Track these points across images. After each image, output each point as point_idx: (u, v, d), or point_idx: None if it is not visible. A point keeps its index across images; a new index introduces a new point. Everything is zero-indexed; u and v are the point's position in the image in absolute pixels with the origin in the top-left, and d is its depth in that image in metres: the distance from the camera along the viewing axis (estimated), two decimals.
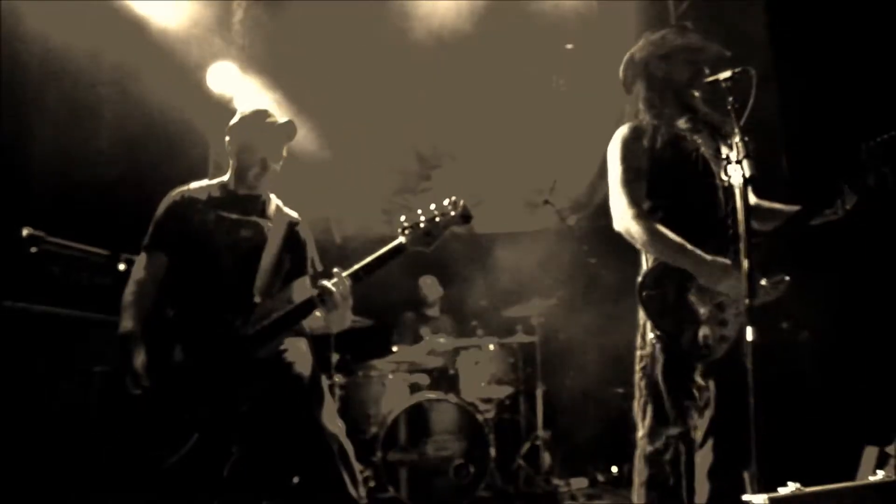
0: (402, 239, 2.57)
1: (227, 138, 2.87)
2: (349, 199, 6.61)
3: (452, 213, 2.57)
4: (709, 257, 2.41)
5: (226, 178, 2.89)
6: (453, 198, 2.59)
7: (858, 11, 4.55)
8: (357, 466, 2.68)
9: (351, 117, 6.64)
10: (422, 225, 2.56)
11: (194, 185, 2.89)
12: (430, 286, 6.08)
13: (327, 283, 2.49)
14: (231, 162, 2.87)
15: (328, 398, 2.73)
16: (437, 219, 2.56)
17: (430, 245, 2.58)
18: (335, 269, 2.54)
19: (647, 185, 2.56)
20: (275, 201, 2.92)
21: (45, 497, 3.37)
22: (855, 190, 2.44)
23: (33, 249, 3.63)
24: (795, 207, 2.56)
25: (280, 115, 2.88)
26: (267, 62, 6.37)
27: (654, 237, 2.47)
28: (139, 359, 2.53)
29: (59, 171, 4.44)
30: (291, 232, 2.85)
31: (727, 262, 2.39)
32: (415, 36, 6.28)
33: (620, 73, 2.79)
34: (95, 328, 3.80)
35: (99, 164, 4.68)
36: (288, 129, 2.84)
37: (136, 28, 5.08)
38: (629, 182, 2.54)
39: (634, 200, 2.52)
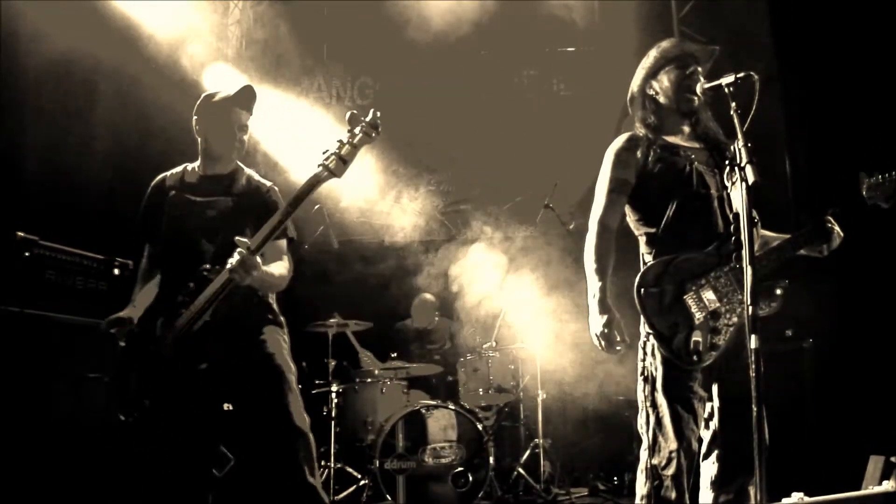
0: (316, 171, 2.63)
1: (195, 118, 2.97)
2: (347, 203, 6.58)
3: (361, 131, 2.64)
4: (598, 298, 2.46)
5: (197, 162, 3.01)
6: (354, 111, 2.68)
7: (862, 14, 4.53)
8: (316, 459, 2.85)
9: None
10: (334, 151, 2.62)
11: (172, 171, 3.04)
12: (425, 309, 6.02)
13: (232, 261, 2.61)
14: (200, 144, 2.98)
15: (296, 389, 2.87)
16: (349, 139, 2.63)
17: (342, 172, 2.63)
18: (237, 238, 2.63)
19: (640, 198, 2.61)
20: (246, 173, 3.03)
21: (38, 499, 3.36)
22: (842, 218, 2.51)
23: (27, 254, 3.62)
24: (784, 236, 2.57)
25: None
26: (263, 63, 6.35)
27: (588, 252, 2.54)
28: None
29: (55, 175, 4.43)
30: (258, 200, 2.94)
31: (608, 314, 2.43)
32: (414, 37, 6.26)
33: (629, 109, 2.81)
34: (89, 333, 3.80)
35: (94, 168, 4.66)
36: (245, 95, 2.93)
37: (132, 31, 5.07)
38: (611, 192, 2.59)
39: (607, 212, 2.58)
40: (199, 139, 2.97)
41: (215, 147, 2.92)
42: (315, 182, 2.63)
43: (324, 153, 2.63)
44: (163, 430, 2.71)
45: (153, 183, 3.02)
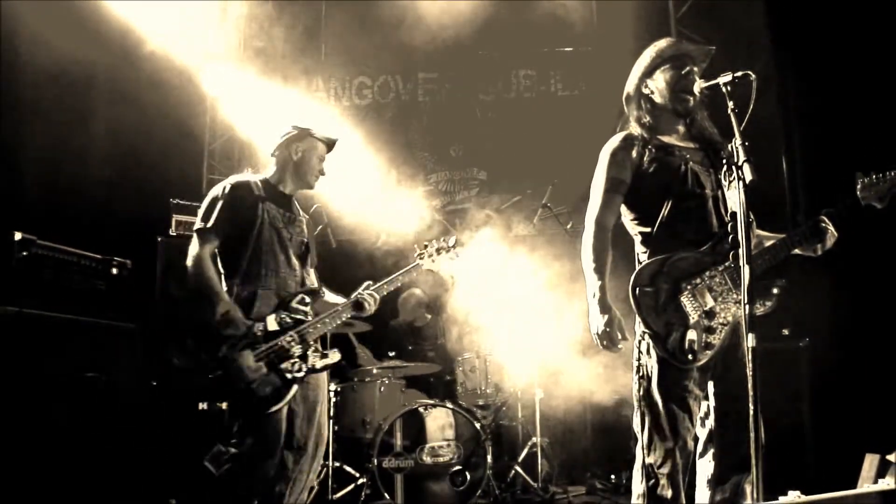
0: (418, 260, 3.63)
1: (297, 142, 3.28)
2: (345, 202, 6.58)
3: (450, 245, 3.68)
4: (598, 297, 2.50)
5: (269, 175, 3.31)
6: (454, 236, 3.74)
7: (860, 15, 4.54)
8: None
9: (347, 118, 6.62)
10: (431, 249, 3.64)
11: (247, 177, 3.26)
12: (411, 303, 6.01)
13: (365, 294, 3.31)
14: (284, 162, 3.29)
15: None
16: (439, 247, 3.64)
17: (437, 266, 3.66)
18: (368, 282, 3.36)
19: (635, 198, 2.63)
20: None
21: (36, 499, 3.37)
22: (837, 219, 2.54)
23: (24, 253, 3.63)
24: (778, 235, 2.59)
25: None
26: (261, 64, 6.36)
27: (586, 251, 2.57)
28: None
29: (53, 175, 4.44)
30: (305, 226, 3.41)
31: (609, 313, 2.47)
32: (412, 38, 6.27)
33: (625, 108, 2.81)
34: (87, 332, 3.81)
35: (93, 168, 4.67)
36: (335, 144, 3.43)
37: (129, 31, 5.07)
38: (607, 191, 2.61)
39: (603, 211, 2.60)
40: (291, 157, 3.28)
41: (306, 172, 3.30)
42: (416, 267, 3.60)
43: (423, 247, 3.65)
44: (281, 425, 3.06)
45: (237, 182, 3.19)
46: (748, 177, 2.15)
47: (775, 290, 2.49)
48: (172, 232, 4.71)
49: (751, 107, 2.25)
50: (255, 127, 5.88)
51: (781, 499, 2.47)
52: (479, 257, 5.98)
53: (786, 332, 4.35)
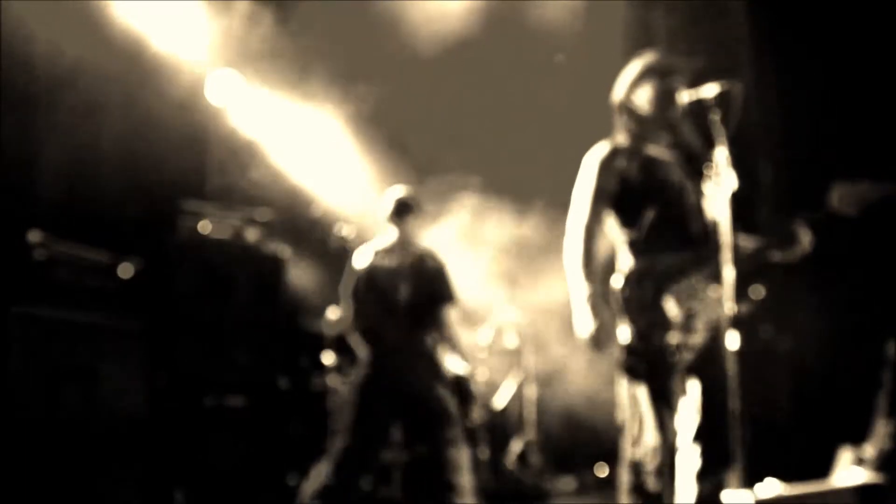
0: None
1: None
2: (344, 207, 6.65)
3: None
4: (589, 301, 2.58)
5: None
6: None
7: (843, 25, 4.67)
8: None
9: (347, 124, 6.71)
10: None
11: None
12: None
13: None
14: None
15: None
16: None
17: None
18: None
19: (621, 206, 2.71)
20: None
21: (46, 500, 3.42)
22: (812, 226, 2.63)
23: (36, 253, 3.67)
24: (758, 241, 2.68)
25: None
26: (263, 68, 6.42)
27: (574, 257, 2.65)
28: None
29: (66, 178, 4.49)
30: None
31: (600, 317, 2.55)
32: (410, 44, 6.35)
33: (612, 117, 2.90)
34: (99, 332, 3.84)
35: (105, 171, 4.71)
36: None
37: (136, 35, 5.14)
38: (593, 199, 2.69)
39: (590, 218, 2.68)
40: None
41: None
42: None
43: None
44: None
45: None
46: (731, 185, 2.27)
47: (756, 293, 2.60)
48: (179, 233, 4.77)
49: (735, 117, 2.35)
50: (257, 132, 6.00)
51: (758, 486, 2.61)
52: (472, 257, 6.09)
53: (767, 331, 4.47)
